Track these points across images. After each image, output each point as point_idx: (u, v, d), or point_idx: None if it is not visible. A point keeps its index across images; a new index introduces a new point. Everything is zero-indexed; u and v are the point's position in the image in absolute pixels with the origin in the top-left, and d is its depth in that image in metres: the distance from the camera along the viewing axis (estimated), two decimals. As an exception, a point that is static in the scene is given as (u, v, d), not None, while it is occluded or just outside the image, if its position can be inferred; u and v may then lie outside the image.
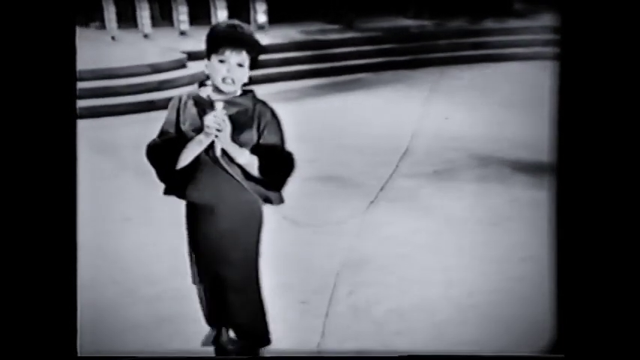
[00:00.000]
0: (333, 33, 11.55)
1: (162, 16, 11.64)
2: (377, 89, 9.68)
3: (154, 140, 2.94)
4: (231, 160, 2.86)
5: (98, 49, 9.73)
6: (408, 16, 12.65)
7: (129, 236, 4.97)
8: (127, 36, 10.70)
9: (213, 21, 11.27)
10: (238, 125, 2.82)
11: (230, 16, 11.15)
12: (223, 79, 2.80)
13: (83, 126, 7.74)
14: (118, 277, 4.28)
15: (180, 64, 9.31)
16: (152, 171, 2.98)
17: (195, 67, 9.24)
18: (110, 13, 10.69)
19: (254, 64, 2.87)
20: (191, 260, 3.09)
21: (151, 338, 3.47)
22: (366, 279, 4.32)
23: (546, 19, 11.28)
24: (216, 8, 11.21)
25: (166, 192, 3.03)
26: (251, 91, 2.93)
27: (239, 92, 2.88)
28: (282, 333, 3.68)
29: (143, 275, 4.28)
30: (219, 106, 2.79)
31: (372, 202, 5.57)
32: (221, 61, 2.78)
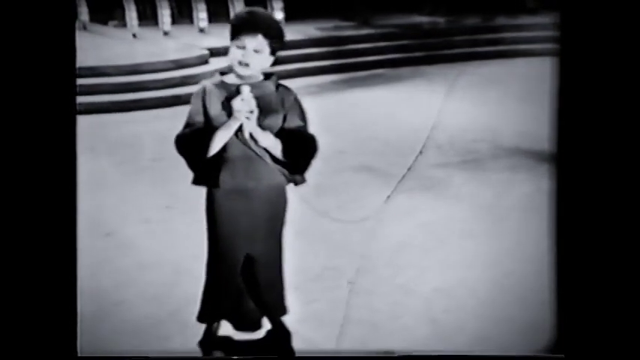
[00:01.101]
0: (350, 30, 11.67)
1: (181, 14, 11.77)
2: (396, 84, 9.81)
3: (182, 131, 2.98)
4: (257, 143, 2.91)
5: (120, 47, 9.86)
6: (423, 14, 12.77)
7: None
8: (147, 33, 10.81)
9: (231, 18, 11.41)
10: (263, 109, 2.88)
11: (247, 14, 11.27)
12: (239, 62, 2.86)
13: (106, 120, 7.89)
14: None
15: (203, 60, 9.43)
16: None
17: (216, 63, 9.38)
18: (131, 11, 10.81)
19: (276, 49, 2.90)
20: (212, 247, 3.12)
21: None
22: (407, 261, 4.45)
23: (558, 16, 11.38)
24: (234, 6, 11.33)
25: (196, 182, 3.05)
26: (273, 75, 2.98)
27: (261, 77, 2.95)
28: (333, 311, 3.85)
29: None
30: (246, 89, 2.82)
31: (403, 191, 5.70)
32: (239, 47, 2.85)
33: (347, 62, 10.57)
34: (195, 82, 8.69)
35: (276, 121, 2.93)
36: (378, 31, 11.66)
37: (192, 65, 9.25)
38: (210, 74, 9.15)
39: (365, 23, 12.05)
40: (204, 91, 2.96)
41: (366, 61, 10.71)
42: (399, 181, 5.86)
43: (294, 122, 2.96)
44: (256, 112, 2.83)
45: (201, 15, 11.19)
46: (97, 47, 9.43)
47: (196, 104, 2.96)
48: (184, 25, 11.42)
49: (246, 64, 2.86)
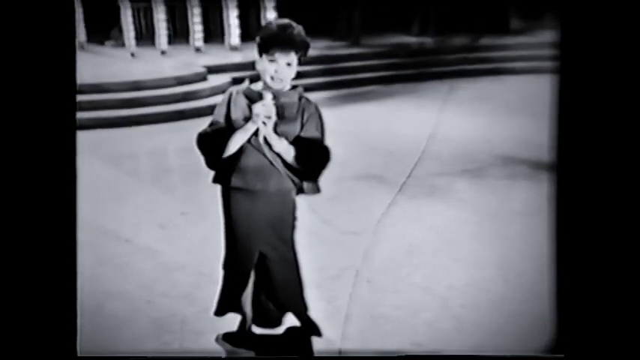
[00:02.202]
0: (341, 49, 11.98)
1: (177, 34, 11.99)
2: (388, 100, 10.09)
3: (204, 130, 3.10)
4: (271, 148, 3.03)
5: (120, 65, 10.04)
6: (412, 34, 13.13)
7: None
8: (145, 53, 11.02)
9: (226, 39, 11.66)
10: (283, 117, 3.01)
11: (241, 34, 11.55)
12: (272, 77, 3.00)
13: (113, 135, 8.05)
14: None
15: (202, 77, 9.66)
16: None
17: (214, 80, 9.63)
18: (129, 31, 11.01)
19: (302, 59, 3.05)
20: (228, 243, 3.25)
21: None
22: (421, 261, 4.64)
23: (542, 36, 11.84)
24: (229, 26, 11.57)
25: (215, 180, 3.19)
26: (298, 87, 3.11)
27: (287, 87, 3.07)
28: (356, 308, 4.01)
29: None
30: (268, 96, 2.95)
31: (410, 197, 5.92)
32: (271, 61, 2.98)
33: (340, 79, 10.85)
34: (196, 98, 8.99)
35: (292, 129, 3.06)
36: (369, 50, 11.98)
37: (192, 82, 9.46)
38: (209, 91, 9.35)
39: (356, 43, 12.36)
40: (230, 97, 3.11)
41: (359, 79, 11.01)
42: (401, 188, 6.08)
43: (310, 132, 3.08)
44: (274, 118, 2.97)
45: (197, 35, 11.42)
46: (99, 66, 9.62)
47: (222, 107, 3.11)
48: (180, 45, 11.63)
49: (280, 79, 3.01)
